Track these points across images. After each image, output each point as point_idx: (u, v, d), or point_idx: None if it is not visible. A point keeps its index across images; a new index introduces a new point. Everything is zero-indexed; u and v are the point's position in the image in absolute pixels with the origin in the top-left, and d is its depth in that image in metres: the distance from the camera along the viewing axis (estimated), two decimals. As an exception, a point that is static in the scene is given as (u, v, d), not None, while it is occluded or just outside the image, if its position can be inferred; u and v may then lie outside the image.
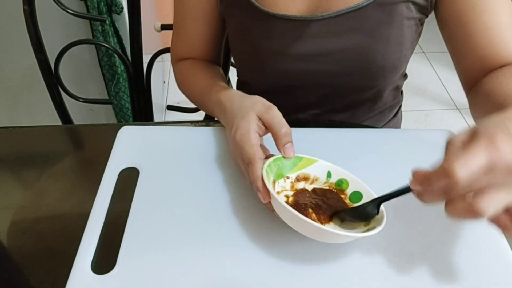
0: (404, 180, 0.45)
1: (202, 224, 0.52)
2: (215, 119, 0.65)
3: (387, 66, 0.65)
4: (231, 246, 0.49)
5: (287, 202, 0.51)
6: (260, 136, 0.52)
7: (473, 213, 0.35)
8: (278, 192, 0.52)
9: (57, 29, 1.24)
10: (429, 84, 2.16)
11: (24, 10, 0.86)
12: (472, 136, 0.36)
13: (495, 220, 0.38)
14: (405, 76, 0.79)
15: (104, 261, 0.48)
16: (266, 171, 0.49)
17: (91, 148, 0.70)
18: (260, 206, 0.54)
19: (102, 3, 1.18)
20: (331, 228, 0.48)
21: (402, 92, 0.83)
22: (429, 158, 0.59)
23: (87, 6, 1.19)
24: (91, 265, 0.48)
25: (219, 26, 0.73)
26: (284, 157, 0.52)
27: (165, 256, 0.48)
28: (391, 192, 0.46)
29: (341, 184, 0.53)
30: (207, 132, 0.64)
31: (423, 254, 0.49)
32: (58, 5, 0.90)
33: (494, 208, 0.35)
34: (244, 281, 0.46)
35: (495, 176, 0.34)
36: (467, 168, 0.34)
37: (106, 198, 0.55)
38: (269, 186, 0.47)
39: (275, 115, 0.52)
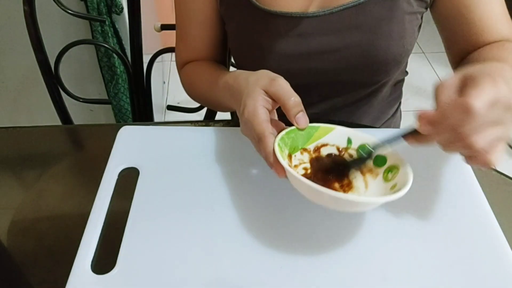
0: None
1: (202, 224, 0.52)
2: (215, 119, 0.66)
3: (389, 62, 0.65)
4: (231, 246, 0.49)
5: (306, 174, 0.50)
6: (270, 110, 0.51)
7: (468, 148, 0.39)
8: (295, 166, 0.51)
9: (57, 29, 1.24)
10: (429, 84, 2.15)
11: (24, 11, 0.86)
12: (466, 79, 0.40)
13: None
14: (405, 72, 0.80)
15: (104, 261, 0.48)
16: (279, 145, 0.47)
17: (91, 148, 0.70)
18: (260, 206, 0.54)
19: (102, 3, 1.18)
20: (353, 194, 0.48)
21: (401, 90, 0.83)
22: (429, 158, 0.59)
23: (87, 6, 1.19)
24: (91, 265, 0.48)
25: (222, 28, 0.73)
26: (298, 129, 0.50)
27: (165, 256, 0.48)
28: (392, 137, 0.47)
29: (363, 149, 0.52)
30: (207, 132, 0.64)
31: (422, 254, 0.49)
32: (58, 6, 0.90)
33: (487, 143, 0.39)
34: (244, 281, 0.46)
35: (492, 113, 0.38)
36: (482, 101, 0.37)
37: (106, 198, 0.55)
38: (282, 160, 0.45)
39: (281, 86, 0.50)
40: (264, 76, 0.52)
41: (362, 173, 0.52)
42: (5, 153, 0.66)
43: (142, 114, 1.11)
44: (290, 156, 0.51)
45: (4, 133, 0.69)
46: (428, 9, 0.67)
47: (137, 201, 0.54)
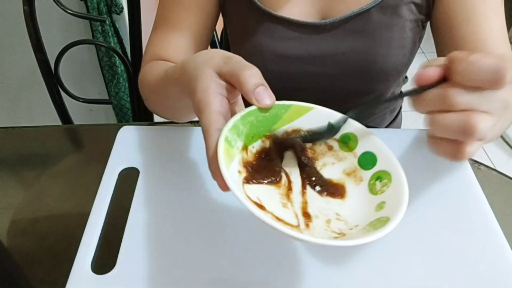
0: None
1: (202, 224, 0.52)
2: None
3: (389, 70, 0.65)
4: (231, 246, 0.49)
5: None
6: (227, 96, 0.38)
7: (464, 127, 0.32)
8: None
9: (57, 29, 1.24)
10: (429, 84, 2.15)
11: (24, 11, 0.86)
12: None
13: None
14: (405, 79, 0.79)
15: (104, 261, 0.48)
16: (227, 139, 0.35)
17: (91, 148, 0.70)
18: (260, 206, 0.54)
19: (102, 3, 1.18)
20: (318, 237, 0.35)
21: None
22: (429, 158, 0.59)
23: (87, 6, 1.20)
24: (91, 265, 0.48)
25: (211, 22, 0.69)
26: (259, 110, 0.37)
27: (165, 256, 0.48)
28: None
29: (347, 140, 0.40)
30: (207, 132, 0.64)
31: (422, 254, 0.49)
32: (58, 5, 0.90)
33: (486, 129, 0.32)
34: (244, 281, 0.46)
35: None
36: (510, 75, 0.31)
37: (106, 198, 0.55)
38: (223, 168, 0.33)
39: (237, 61, 0.38)
40: (218, 55, 0.40)
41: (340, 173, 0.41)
42: (5, 153, 0.66)
43: (142, 114, 1.11)
44: (246, 148, 0.39)
45: (4, 133, 0.69)
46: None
47: (137, 201, 0.54)
